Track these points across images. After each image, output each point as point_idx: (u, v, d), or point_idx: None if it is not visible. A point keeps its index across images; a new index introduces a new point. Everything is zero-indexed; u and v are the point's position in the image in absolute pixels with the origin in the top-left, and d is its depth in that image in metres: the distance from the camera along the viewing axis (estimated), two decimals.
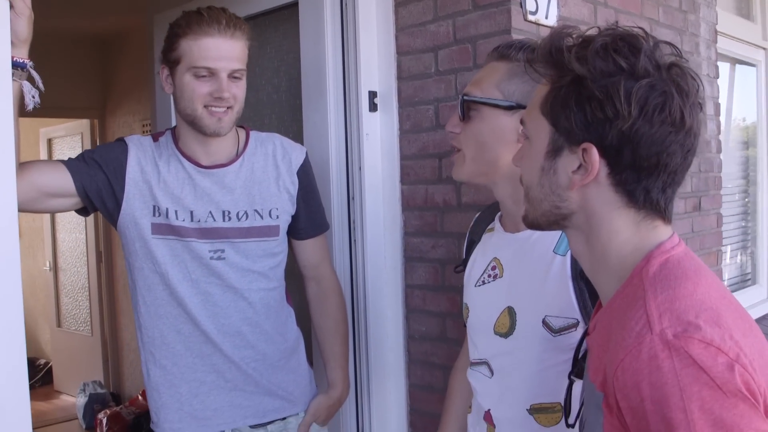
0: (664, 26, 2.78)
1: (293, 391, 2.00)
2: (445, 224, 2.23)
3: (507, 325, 1.51)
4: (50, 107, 5.80)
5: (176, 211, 1.85)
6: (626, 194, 1.05)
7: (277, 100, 2.62)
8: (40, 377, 6.66)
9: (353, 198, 2.33)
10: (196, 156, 1.89)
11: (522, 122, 1.16)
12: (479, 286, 1.62)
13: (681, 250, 1.07)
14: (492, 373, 1.56)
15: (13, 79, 1.63)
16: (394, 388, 2.36)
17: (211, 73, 1.79)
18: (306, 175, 1.99)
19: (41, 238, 6.73)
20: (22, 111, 1.69)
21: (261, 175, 1.93)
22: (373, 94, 2.32)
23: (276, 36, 2.60)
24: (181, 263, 1.86)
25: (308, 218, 2.00)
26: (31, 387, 6.55)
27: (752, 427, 0.89)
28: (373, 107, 2.32)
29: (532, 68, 1.11)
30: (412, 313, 2.33)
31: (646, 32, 1.06)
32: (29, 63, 1.65)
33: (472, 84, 1.56)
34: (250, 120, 2.70)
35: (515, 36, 2.05)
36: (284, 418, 1.99)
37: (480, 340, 1.61)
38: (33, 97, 1.68)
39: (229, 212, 1.88)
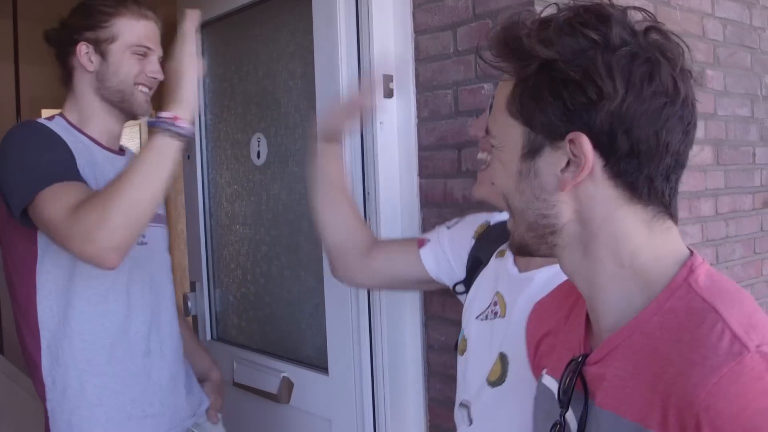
0: None
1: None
2: None
3: (498, 372, 1.32)
4: None
5: None
6: (628, 187, 0.87)
7: (293, 87, 2.42)
8: None
9: (368, 194, 2.12)
10: (102, 141, 1.84)
11: (487, 131, 0.97)
12: (481, 319, 1.41)
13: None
14: (471, 422, 1.37)
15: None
16: (412, 403, 2.14)
17: (146, 54, 1.83)
18: None
19: None
20: None
21: None
22: (388, 78, 2.10)
23: (291, 18, 2.41)
24: None
25: None
26: None
27: None
28: (388, 93, 2.10)
29: (489, 65, 0.93)
30: (431, 321, 2.11)
31: (609, 1, 0.90)
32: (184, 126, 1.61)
33: None
34: (267, 108, 2.52)
35: (538, 8, 1.80)
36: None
37: (473, 381, 1.41)
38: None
39: None
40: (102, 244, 1.48)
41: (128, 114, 1.86)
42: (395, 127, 2.12)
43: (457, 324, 2.01)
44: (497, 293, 1.37)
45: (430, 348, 2.11)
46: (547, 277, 1.25)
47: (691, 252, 0.90)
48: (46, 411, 1.74)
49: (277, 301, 2.53)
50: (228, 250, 2.75)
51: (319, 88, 2.20)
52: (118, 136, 1.91)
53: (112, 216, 1.48)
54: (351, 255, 1.71)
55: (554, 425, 0.97)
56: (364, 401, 2.14)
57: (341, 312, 2.16)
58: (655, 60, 0.85)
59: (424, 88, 2.08)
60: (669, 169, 0.87)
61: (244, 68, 2.62)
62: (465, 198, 1.98)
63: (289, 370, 2.40)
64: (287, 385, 2.39)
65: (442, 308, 2.07)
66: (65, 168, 1.64)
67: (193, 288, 2.86)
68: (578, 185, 0.88)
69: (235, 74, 2.67)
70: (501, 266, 1.41)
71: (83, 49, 1.79)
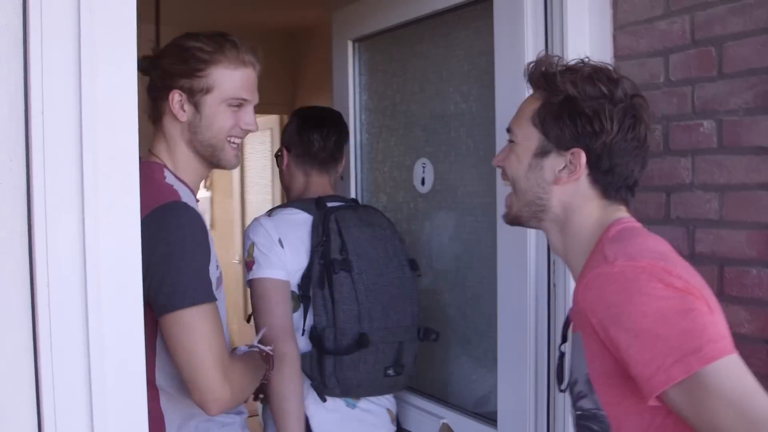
0: None
1: None
2: None
3: None
4: None
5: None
6: (601, 189, 1.30)
7: (466, 111, 2.24)
8: None
9: None
10: (195, 189, 1.76)
11: (509, 130, 1.38)
12: None
13: (638, 224, 1.31)
14: None
15: None
16: None
17: (241, 105, 1.70)
18: None
19: (232, 231, 6.79)
20: None
21: None
22: None
23: (466, 35, 2.23)
24: None
25: None
26: None
27: (703, 314, 1.10)
28: None
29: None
30: None
31: (613, 67, 1.35)
32: None
33: None
34: (434, 132, 2.34)
35: None
36: None
37: None
38: None
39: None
40: (227, 406, 1.59)
41: (216, 166, 1.75)
42: None
43: None
44: None
45: None
46: None
47: (628, 218, 1.31)
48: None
49: (439, 340, 2.35)
50: None
51: (500, 114, 2.00)
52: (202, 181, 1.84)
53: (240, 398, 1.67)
54: None
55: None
56: None
57: (517, 364, 1.96)
58: (638, 117, 1.28)
59: None
60: (629, 183, 1.32)
61: (408, 87, 2.46)
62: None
63: (449, 416, 2.22)
64: None
65: None
66: (209, 285, 1.58)
67: None
68: (568, 182, 1.30)
69: (397, 93, 2.51)
70: None
71: (176, 98, 1.66)
